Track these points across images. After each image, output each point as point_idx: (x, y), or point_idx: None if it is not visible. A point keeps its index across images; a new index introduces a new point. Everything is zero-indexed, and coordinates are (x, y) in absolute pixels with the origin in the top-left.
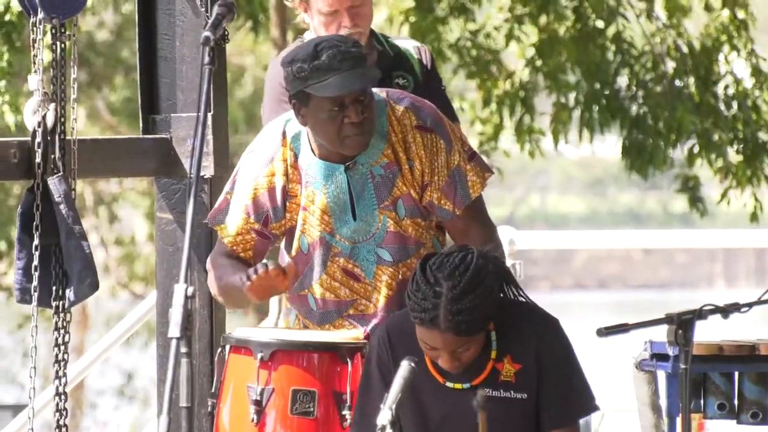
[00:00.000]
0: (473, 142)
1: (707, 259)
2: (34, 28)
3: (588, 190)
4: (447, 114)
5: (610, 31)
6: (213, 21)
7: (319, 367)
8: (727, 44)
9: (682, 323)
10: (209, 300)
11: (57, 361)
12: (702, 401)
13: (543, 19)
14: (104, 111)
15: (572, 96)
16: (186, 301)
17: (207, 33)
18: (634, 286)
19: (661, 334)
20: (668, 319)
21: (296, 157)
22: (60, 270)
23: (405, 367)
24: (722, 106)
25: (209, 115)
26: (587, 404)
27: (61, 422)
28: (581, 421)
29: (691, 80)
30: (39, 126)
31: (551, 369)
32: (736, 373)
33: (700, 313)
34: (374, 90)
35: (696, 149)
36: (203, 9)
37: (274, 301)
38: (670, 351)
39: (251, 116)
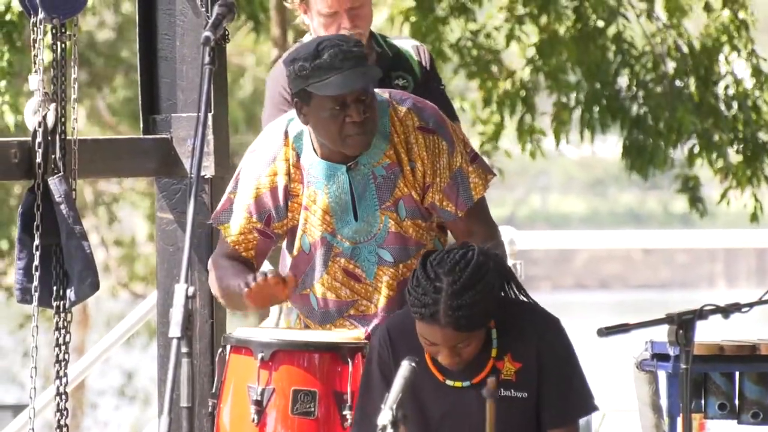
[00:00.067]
0: (474, 143)
1: (708, 259)
2: (35, 28)
3: (589, 191)
4: (447, 114)
5: (611, 31)
6: (213, 21)
7: (319, 367)
8: (728, 44)
9: (683, 323)
10: (210, 300)
11: (58, 361)
12: (703, 401)
13: (543, 19)
14: (105, 111)
15: (573, 96)
16: (187, 301)
17: (207, 33)
18: (635, 286)
19: (661, 334)
20: (669, 319)
21: (298, 156)
22: (61, 270)
23: (405, 366)
24: (722, 107)
25: (210, 115)
26: (587, 404)
27: (62, 422)
28: (581, 421)
29: (692, 80)
30: (39, 126)
31: (552, 368)
32: (737, 373)
33: (701, 313)
34: (377, 91)
35: (696, 149)
36: (203, 9)
37: None
38: (671, 351)
39: (252, 116)
